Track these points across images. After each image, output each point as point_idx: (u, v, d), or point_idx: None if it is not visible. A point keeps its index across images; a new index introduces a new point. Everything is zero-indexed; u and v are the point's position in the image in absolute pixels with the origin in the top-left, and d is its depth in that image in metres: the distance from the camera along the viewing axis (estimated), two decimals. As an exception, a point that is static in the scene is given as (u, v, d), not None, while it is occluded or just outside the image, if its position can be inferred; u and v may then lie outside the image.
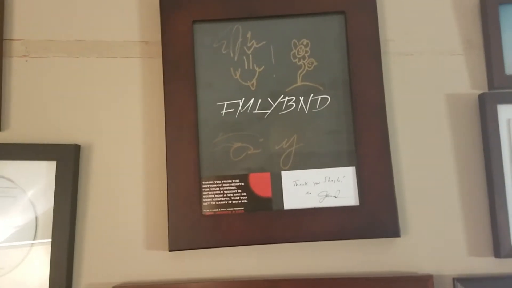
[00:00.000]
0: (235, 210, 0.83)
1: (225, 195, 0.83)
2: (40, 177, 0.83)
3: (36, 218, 0.83)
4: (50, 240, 0.81)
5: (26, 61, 0.88)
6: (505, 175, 0.83)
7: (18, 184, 0.84)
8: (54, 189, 0.82)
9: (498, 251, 0.82)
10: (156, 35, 0.88)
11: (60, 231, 0.81)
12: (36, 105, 0.87)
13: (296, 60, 0.87)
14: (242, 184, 0.84)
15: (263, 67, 0.87)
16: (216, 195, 0.83)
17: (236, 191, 0.84)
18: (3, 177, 0.84)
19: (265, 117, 0.86)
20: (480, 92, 0.87)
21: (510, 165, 0.84)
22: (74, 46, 0.89)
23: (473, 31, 0.89)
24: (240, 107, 0.86)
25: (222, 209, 0.83)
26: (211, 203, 0.83)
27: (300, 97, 0.86)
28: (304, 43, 0.87)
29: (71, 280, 0.82)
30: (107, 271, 0.83)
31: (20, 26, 0.89)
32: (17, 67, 0.88)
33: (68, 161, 0.83)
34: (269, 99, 0.86)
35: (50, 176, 0.83)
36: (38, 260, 0.82)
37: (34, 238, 0.82)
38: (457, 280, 0.81)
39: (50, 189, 0.83)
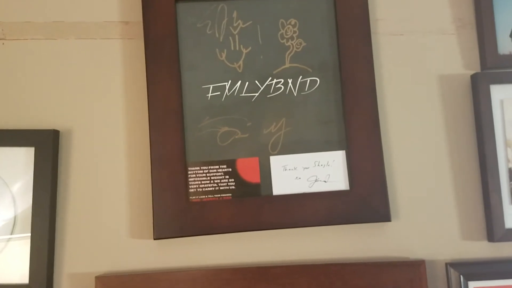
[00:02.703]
0: (222, 196, 0.81)
1: (212, 181, 0.82)
2: (18, 164, 0.81)
3: (15, 206, 0.81)
4: (30, 229, 0.79)
5: (3, 44, 0.86)
6: (498, 157, 0.82)
7: (-5, 172, 0.81)
8: (33, 176, 0.80)
9: (491, 235, 0.81)
10: (137, 14, 0.85)
11: (40, 220, 0.79)
12: (13, 89, 0.85)
13: (284, 40, 0.85)
14: (230, 169, 0.82)
15: (250, 48, 0.84)
16: (202, 182, 0.82)
17: (223, 177, 0.82)
18: (-21, 165, 0.81)
19: (252, 100, 0.83)
20: (473, 72, 0.85)
21: (503, 146, 0.82)
22: (52, 28, 0.86)
23: (465, 9, 0.88)
24: (226, 90, 0.83)
25: (209, 196, 0.81)
26: (198, 189, 0.81)
27: (288, 80, 0.84)
28: (292, 23, 0.85)
29: (52, 270, 0.81)
30: (90, 260, 0.81)
31: (-4, 8, 0.87)
32: (-7, 51, 0.86)
33: (47, 147, 0.81)
34: (256, 81, 0.84)
35: (29, 163, 0.81)
36: (17, 250, 0.79)
37: (13, 227, 0.80)
38: (450, 265, 0.80)
39: (28, 176, 0.80)
